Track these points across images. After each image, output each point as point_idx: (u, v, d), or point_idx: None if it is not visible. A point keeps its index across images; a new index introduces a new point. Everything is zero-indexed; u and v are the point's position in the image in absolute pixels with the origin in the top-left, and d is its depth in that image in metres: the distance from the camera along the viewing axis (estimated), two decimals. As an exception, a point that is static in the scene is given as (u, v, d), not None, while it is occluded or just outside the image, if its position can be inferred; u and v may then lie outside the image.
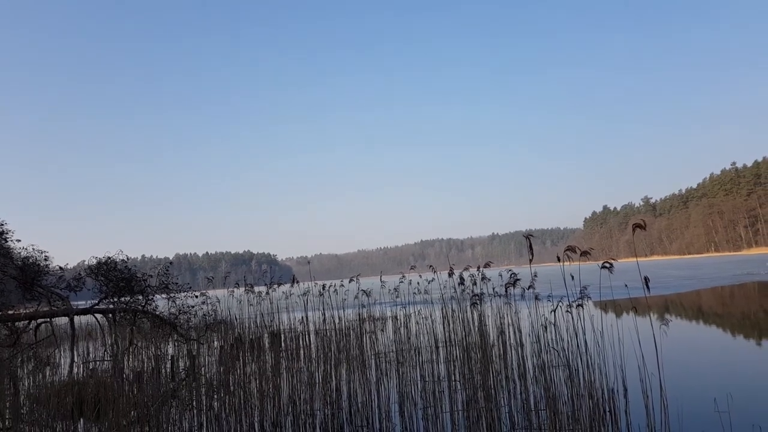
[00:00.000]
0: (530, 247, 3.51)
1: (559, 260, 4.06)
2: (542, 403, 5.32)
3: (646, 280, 4.22)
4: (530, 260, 3.78)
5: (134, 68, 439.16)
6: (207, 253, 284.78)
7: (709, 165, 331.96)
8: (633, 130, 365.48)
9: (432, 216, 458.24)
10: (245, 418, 5.92)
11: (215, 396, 6.71)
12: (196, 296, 12.28)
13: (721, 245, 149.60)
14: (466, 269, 6.62)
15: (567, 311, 5.00)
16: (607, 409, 5.12)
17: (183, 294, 12.63)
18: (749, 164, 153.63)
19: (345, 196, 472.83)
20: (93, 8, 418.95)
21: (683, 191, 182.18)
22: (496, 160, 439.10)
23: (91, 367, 9.92)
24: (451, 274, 6.25)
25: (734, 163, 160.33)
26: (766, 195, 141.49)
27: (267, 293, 7.24)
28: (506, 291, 5.78)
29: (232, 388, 6.41)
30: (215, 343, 9.58)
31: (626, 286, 5.39)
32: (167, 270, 12.95)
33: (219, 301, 9.59)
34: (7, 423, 6.17)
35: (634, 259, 5.10)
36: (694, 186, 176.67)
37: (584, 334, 5.04)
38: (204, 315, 11.33)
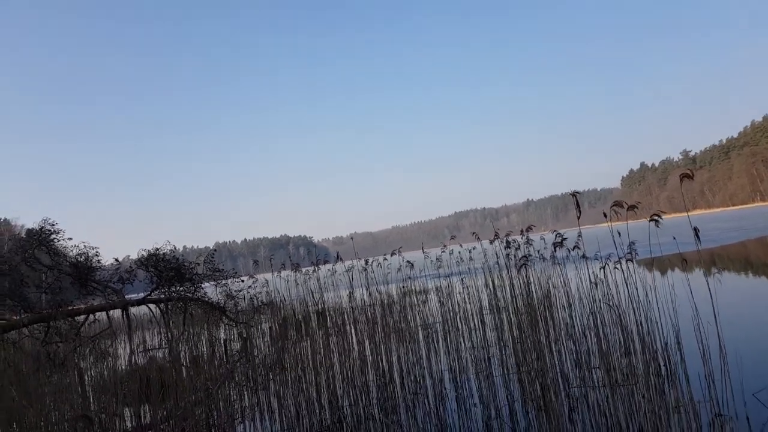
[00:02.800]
0: (577, 204, 3.48)
1: (605, 216, 4.01)
2: (595, 360, 5.32)
3: (696, 231, 4.15)
4: (578, 217, 3.75)
5: (162, 55, 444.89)
6: (245, 239, 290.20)
7: (750, 112, 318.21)
8: (666, 82, 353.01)
9: (465, 186, 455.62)
10: (302, 394, 6.09)
11: (270, 375, 6.93)
12: (243, 281, 12.58)
13: (767, 194, 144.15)
14: (508, 235, 6.62)
15: (616, 268, 4.96)
16: (662, 363, 5.09)
17: (230, 279, 12.98)
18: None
19: (375, 173, 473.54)
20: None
21: (724, 141, 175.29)
22: (525, 123, 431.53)
23: (149, 355, 10.34)
24: (494, 240, 6.25)
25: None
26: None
27: (314, 271, 7.40)
28: (555, 249, 5.75)
29: (286, 366, 6.59)
30: (264, 324, 9.83)
31: (674, 239, 5.29)
32: (212, 257, 13.29)
33: (267, 283, 9.83)
34: (74, 412, 6.50)
35: (677, 215, 4.94)
36: (735, 135, 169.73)
37: (636, 288, 5.00)
38: (252, 298, 11.63)
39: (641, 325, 5.04)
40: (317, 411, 5.85)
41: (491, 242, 7.02)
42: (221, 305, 12.32)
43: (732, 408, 4.45)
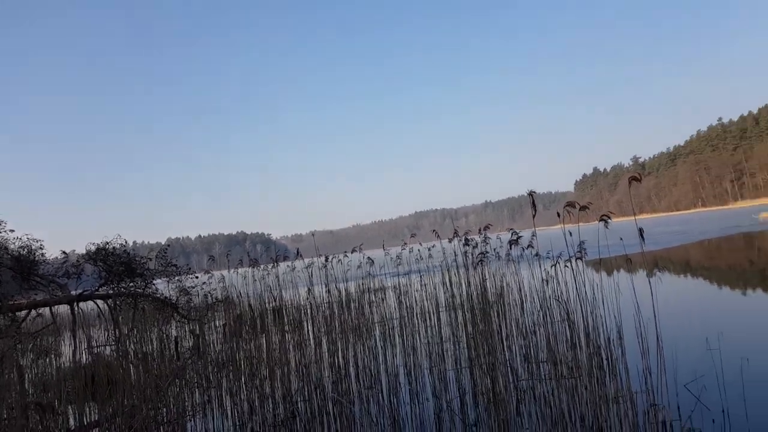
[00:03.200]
0: (533, 202, 3.62)
1: (558, 216, 4.19)
2: (543, 354, 5.54)
3: (641, 231, 4.37)
4: (533, 215, 3.90)
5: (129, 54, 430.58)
6: (200, 235, 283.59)
7: (697, 122, 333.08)
8: (622, 90, 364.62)
9: (425, 187, 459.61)
10: (255, 390, 6.09)
11: (222, 372, 6.87)
12: (197, 277, 12.36)
13: (708, 201, 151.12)
14: (466, 233, 6.77)
15: (566, 266, 5.17)
16: (605, 357, 5.34)
17: (184, 276, 12.69)
18: (735, 119, 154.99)
19: (337, 172, 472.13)
20: None
21: (671, 149, 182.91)
22: (486, 126, 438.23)
23: (95, 352, 10.04)
24: (453, 239, 6.38)
25: (720, 119, 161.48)
26: (752, 148, 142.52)
27: (272, 267, 7.33)
28: (510, 247, 5.96)
29: (239, 363, 6.55)
30: (218, 321, 9.72)
31: (621, 239, 5.55)
32: (165, 252, 12.99)
33: (223, 278, 9.72)
34: (12, 412, 6.28)
35: (625, 218, 5.22)
36: (682, 144, 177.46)
37: (584, 286, 5.22)
38: (206, 294, 11.44)
39: (587, 320, 5.27)
40: (270, 407, 5.87)
41: (450, 241, 7.16)
42: (173, 302, 12.07)
43: (665, 398, 4.75)
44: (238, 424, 5.71)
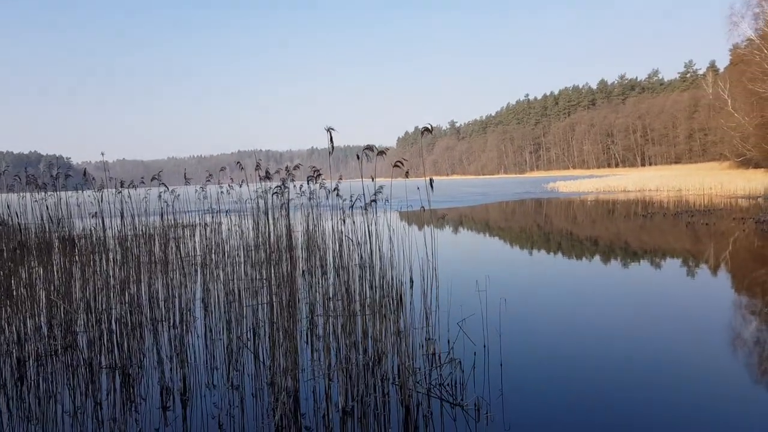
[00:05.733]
0: (330, 139, 3.69)
1: (357, 158, 4.35)
2: (339, 294, 5.83)
3: (431, 181, 4.72)
4: (330, 153, 3.99)
5: None
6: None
7: (509, 95, 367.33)
8: (449, 57, 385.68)
9: (250, 126, 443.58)
10: (30, 320, 5.55)
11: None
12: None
13: (509, 168, 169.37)
14: (277, 172, 6.68)
15: (365, 210, 5.43)
16: (394, 297, 5.81)
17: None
18: (539, 97, 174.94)
19: (151, 96, 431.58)
20: None
21: (483, 118, 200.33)
22: (315, 73, 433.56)
23: None
24: (263, 178, 6.24)
25: (527, 95, 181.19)
26: (549, 125, 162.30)
27: (54, 186, 6.45)
28: (308, 183, 6.08)
29: (14, 290, 5.87)
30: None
31: (418, 189, 5.97)
32: None
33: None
34: None
35: (439, 177, 5.60)
36: (493, 114, 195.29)
37: (375, 227, 5.57)
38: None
39: (381, 262, 5.65)
40: (46, 336, 5.41)
41: (261, 180, 7.03)
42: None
43: (438, 333, 5.39)
44: (2, 353, 5.15)
